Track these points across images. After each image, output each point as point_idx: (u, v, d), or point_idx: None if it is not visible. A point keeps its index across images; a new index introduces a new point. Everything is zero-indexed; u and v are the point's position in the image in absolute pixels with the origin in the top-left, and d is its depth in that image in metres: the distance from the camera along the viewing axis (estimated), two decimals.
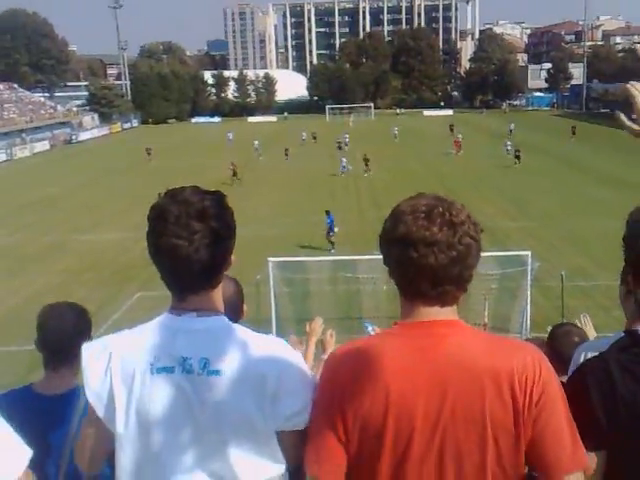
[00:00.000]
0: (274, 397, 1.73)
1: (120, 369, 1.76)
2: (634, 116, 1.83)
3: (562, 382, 1.70)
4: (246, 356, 1.73)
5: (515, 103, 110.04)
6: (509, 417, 1.59)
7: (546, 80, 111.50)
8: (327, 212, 23.39)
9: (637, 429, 1.68)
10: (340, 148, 51.18)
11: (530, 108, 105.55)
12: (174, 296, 1.82)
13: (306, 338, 3.18)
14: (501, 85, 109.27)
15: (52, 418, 2.47)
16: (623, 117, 1.84)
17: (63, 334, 2.56)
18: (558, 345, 3.34)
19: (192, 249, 1.69)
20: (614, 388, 1.70)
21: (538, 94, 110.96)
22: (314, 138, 59.89)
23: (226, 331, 1.78)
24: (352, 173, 39.73)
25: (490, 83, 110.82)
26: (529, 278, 14.68)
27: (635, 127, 1.82)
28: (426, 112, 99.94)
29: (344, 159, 40.81)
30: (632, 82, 1.85)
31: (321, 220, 23.59)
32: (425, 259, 1.59)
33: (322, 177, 39.17)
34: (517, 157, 40.96)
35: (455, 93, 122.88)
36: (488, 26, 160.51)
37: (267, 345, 1.80)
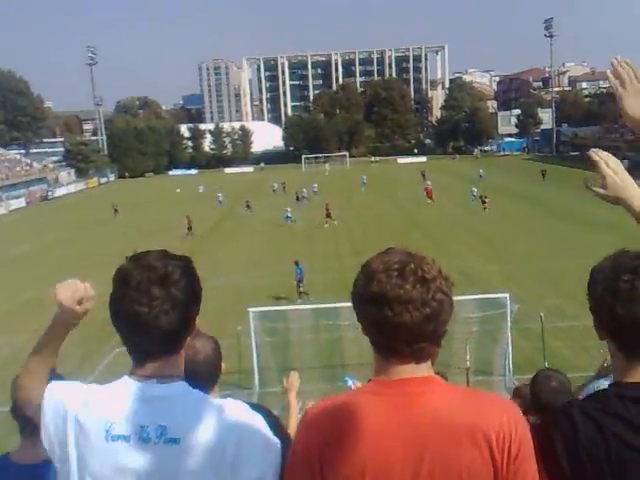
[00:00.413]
0: (233, 465, 1.67)
1: (75, 427, 1.72)
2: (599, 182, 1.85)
3: (531, 425, 1.69)
4: (205, 424, 1.68)
5: (487, 149, 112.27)
6: (489, 476, 1.57)
7: (516, 125, 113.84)
8: (296, 262, 23.09)
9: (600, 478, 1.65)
10: (298, 199, 51.19)
11: (502, 153, 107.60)
12: (133, 361, 1.77)
13: (286, 395, 3.21)
14: (472, 131, 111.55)
15: None
16: (595, 188, 1.87)
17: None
18: (537, 390, 3.40)
19: (151, 316, 1.66)
20: (576, 437, 1.66)
21: (509, 139, 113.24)
22: (284, 188, 60.04)
23: (185, 398, 1.73)
24: (312, 223, 39.78)
25: (461, 130, 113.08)
26: (509, 320, 14.76)
27: (608, 194, 1.85)
28: (400, 159, 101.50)
29: (289, 209, 40.96)
30: (594, 150, 1.91)
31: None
32: (400, 317, 1.58)
33: (294, 226, 39.33)
34: (483, 202, 40.85)
35: (428, 140, 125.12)
36: (458, 75, 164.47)
37: (227, 411, 1.73)
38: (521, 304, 16.55)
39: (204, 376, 2.10)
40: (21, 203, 67.70)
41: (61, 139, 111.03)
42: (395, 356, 1.65)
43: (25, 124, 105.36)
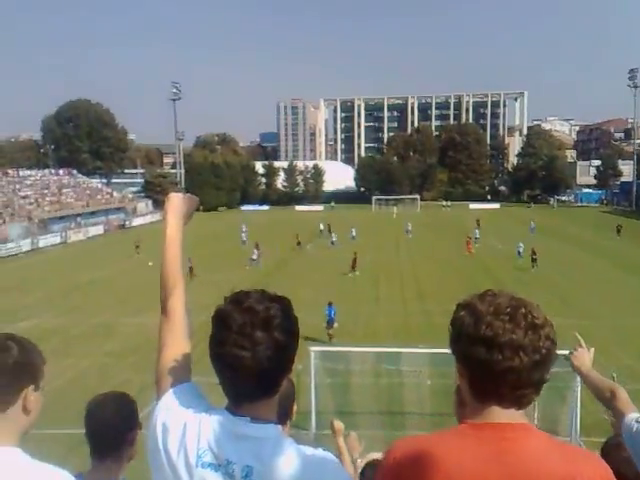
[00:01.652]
0: None
1: (176, 445, 1.73)
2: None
3: None
4: (292, 472, 1.65)
5: (563, 198, 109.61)
6: None
7: (595, 177, 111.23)
8: (330, 303, 22.97)
9: None
10: (333, 243, 50.80)
11: (579, 204, 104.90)
12: (229, 400, 1.77)
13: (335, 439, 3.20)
14: (549, 180, 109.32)
15: None
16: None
17: (106, 426, 2.57)
18: (608, 460, 3.17)
19: (255, 360, 1.65)
20: None
21: (587, 190, 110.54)
22: (329, 230, 58.38)
23: (276, 442, 1.70)
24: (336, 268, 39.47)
25: (538, 178, 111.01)
26: (578, 379, 14.12)
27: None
28: (472, 205, 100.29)
29: (255, 251, 41.15)
30: (573, 353, 2.26)
31: (365, 311, 23.43)
32: (510, 362, 1.57)
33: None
34: (533, 259, 38.13)
35: (502, 187, 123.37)
36: (536, 122, 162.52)
37: (316, 462, 1.71)
38: (594, 363, 15.84)
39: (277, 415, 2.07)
40: (99, 230, 70.23)
41: (141, 170, 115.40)
42: (495, 400, 1.63)
43: (108, 154, 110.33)
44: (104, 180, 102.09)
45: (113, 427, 2.55)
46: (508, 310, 1.61)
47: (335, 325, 22.88)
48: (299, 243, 48.85)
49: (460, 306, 1.71)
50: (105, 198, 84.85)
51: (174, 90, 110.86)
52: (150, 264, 46.15)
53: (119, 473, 2.58)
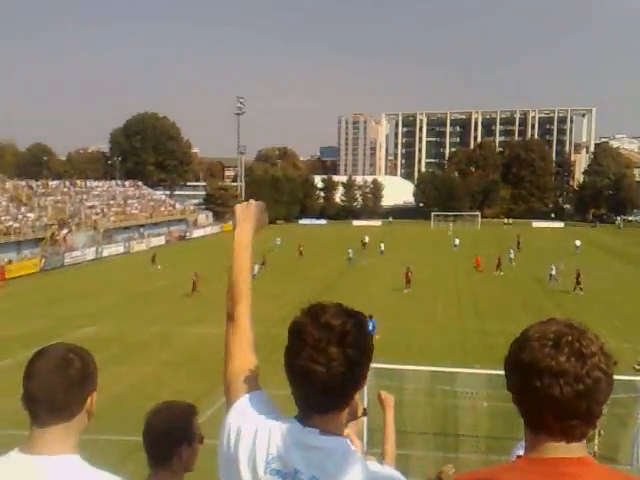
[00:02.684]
0: None
1: (247, 450, 1.77)
2: None
3: None
4: None
5: (630, 219, 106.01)
6: None
7: None
8: (370, 316, 23.01)
9: None
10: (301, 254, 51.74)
11: None
12: (300, 410, 1.79)
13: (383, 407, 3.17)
14: (616, 200, 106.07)
15: None
16: None
17: (156, 436, 2.60)
18: None
19: (329, 376, 1.67)
20: None
21: None
22: (363, 245, 60.81)
23: (344, 456, 1.72)
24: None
25: (604, 197, 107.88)
26: None
27: None
28: (535, 223, 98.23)
29: (256, 266, 39.99)
30: None
31: (421, 328, 23.16)
32: (550, 390, 1.52)
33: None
34: (578, 281, 36.31)
35: (567, 205, 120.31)
36: (604, 139, 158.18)
37: (381, 478, 1.73)
38: None
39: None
40: (161, 241, 71.82)
41: (203, 183, 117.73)
42: (544, 432, 1.57)
43: (173, 167, 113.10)
44: (167, 192, 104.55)
45: (163, 437, 2.58)
46: (552, 336, 1.56)
47: (377, 337, 22.85)
48: (301, 253, 49.43)
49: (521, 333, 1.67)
50: (168, 210, 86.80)
51: (238, 105, 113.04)
52: (159, 267, 47.19)
53: (182, 475, 2.61)
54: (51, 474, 1.80)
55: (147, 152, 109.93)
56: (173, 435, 2.60)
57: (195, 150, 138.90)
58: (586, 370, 1.51)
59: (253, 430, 1.78)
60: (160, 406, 2.72)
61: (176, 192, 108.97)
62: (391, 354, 21.80)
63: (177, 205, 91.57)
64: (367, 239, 62.75)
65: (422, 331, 26.52)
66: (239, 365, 1.97)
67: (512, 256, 49.60)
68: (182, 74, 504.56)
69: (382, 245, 57.14)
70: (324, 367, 1.66)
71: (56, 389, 1.82)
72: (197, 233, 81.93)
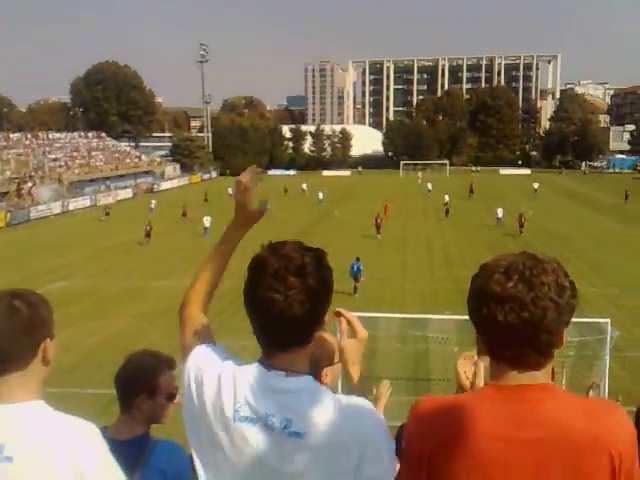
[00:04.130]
0: (357, 467, 1.68)
1: (212, 399, 1.76)
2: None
3: None
4: (331, 421, 1.68)
5: (595, 164, 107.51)
6: None
7: (629, 142, 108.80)
8: (357, 259, 24.62)
9: None
10: (184, 215, 47.85)
11: (611, 170, 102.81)
12: (263, 351, 1.79)
13: (374, 403, 3.07)
14: (581, 146, 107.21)
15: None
16: None
17: (118, 385, 2.65)
18: None
19: (287, 304, 1.67)
20: None
21: (620, 156, 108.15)
22: (302, 191, 65.13)
23: (313, 393, 1.73)
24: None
25: (570, 143, 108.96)
26: (608, 347, 14.02)
27: None
28: (502, 170, 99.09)
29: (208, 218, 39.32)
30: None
31: (391, 276, 23.41)
32: (494, 316, 1.53)
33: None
34: (521, 224, 37.61)
35: (534, 152, 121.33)
36: (570, 86, 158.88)
37: (354, 411, 1.73)
38: (622, 331, 15.70)
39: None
40: (128, 194, 70.77)
41: (169, 134, 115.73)
42: (502, 360, 1.60)
43: (137, 117, 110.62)
44: (132, 143, 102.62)
45: (122, 387, 2.63)
46: (505, 264, 1.56)
47: (362, 279, 24.35)
48: (185, 214, 47.38)
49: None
50: (134, 162, 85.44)
51: (202, 52, 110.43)
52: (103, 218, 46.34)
53: (141, 427, 2.62)
54: (16, 420, 1.77)
55: (109, 102, 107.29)
56: (131, 386, 2.62)
57: (159, 100, 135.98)
58: (531, 298, 1.51)
59: (216, 378, 1.77)
60: (131, 356, 2.73)
61: (141, 143, 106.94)
62: (363, 302, 22.12)
63: (143, 157, 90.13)
64: (305, 186, 66.82)
65: (394, 279, 26.82)
66: (194, 323, 2.00)
67: (447, 201, 49.11)
68: (141, 21, 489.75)
69: (320, 194, 57.92)
70: (282, 295, 1.67)
71: (2, 338, 1.77)
72: (165, 185, 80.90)
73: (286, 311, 1.67)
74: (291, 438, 1.67)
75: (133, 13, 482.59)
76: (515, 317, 1.51)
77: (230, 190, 56.75)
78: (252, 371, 1.76)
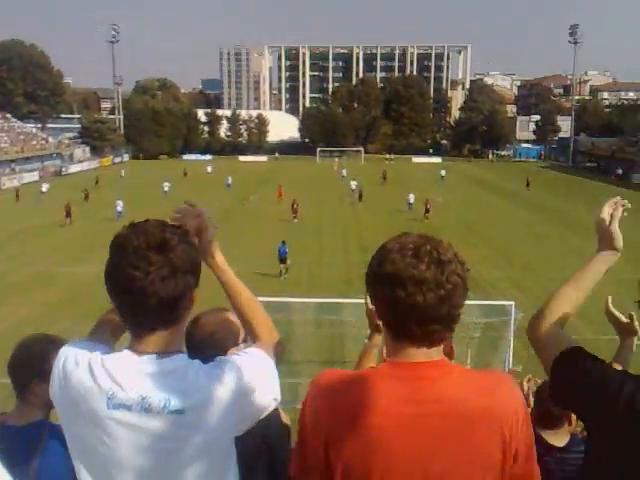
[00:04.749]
0: (239, 423, 1.74)
1: (80, 390, 1.72)
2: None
3: None
4: (208, 395, 1.68)
5: (502, 153, 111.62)
6: (499, 456, 1.60)
7: (534, 132, 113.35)
8: (283, 242, 25.39)
9: None
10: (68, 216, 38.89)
11: (517, 159, 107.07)
12: (131, 335, 1.76)
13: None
14: (489, 135, 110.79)
15: (14, 451, 2.33)
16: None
17: (10, 370, 2.56)
18: (544, 399, 3.22)
19: (148, 281, 1.64)
20: None
21: (526, 145, 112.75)
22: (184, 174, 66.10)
23: (186, 370, 1.71)
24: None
25: (479, 133, 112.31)
26: (512, 328, 14.71)
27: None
28: (415, 159, 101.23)
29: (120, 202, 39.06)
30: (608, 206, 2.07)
31: (307, 261, 23.64)
32: (413, 298, 1.57)
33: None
34: (427, 210, 39.03)
35: (444, 141, 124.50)
36: (479, 76, 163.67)
37: (221, 377, 1.71)
38: (526, 312, 16.49)
39: (208, 353, 1.99)
40: (34, 177, 67.62)
41: (78, 116, 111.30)
42: (407, 338, 1.64)
43: (43, 98, 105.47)
44: (39, 125, 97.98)
45: (13, 372, 2.55)
46: (411, 246, 1.61)
47: (288, 262, 25.14)
48: (87, 197, 46.33)
49: (378, 248, 1.72)
50: (40, 144, 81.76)
51: (113, 32, 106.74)
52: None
53: (39, 412, 2.54)
54: None
55: (14, 82, 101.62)
56: (22, 370, 2.55)
57: (68, 80, 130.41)
58: (446, 276, 1.58)
59: (86, 369, 1.73)
60: (22, 340, 2.65)
61: (49, 125, 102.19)
62: (280, 287, 22.25)
63: (50, 139, 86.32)
64: (210, 169, 71.08)
65: (309, 264, 27.11)
66: None
67: (354, 188, 51.10)
68: None
69: (229, 178, 58.09)
70: (143, 272, 1.63)
71: None
72: (74, 168, 77.88)
73: (148, 288, 1.64)
74: (172, 416, 1.65)
75: None
76: (433, 296, 1.56)
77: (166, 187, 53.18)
78: (123, 358, 1.73)
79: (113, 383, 1.68)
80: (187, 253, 1.72)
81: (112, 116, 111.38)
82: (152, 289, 1.64)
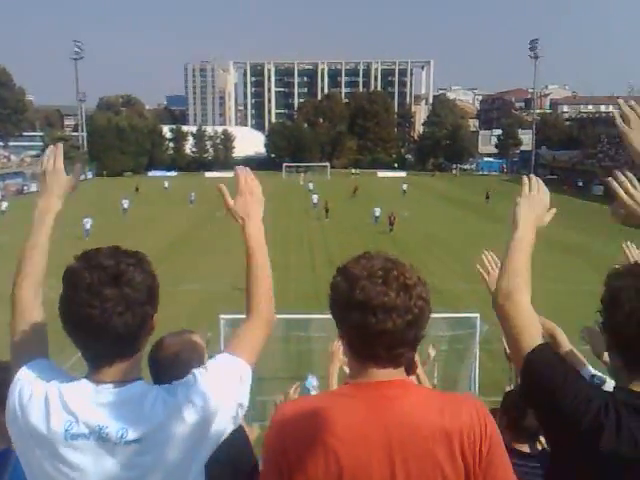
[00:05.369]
0: (199, 446, 1.69)
1: (37, 420, 1.66)
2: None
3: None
4: (164, 421, 1.65)
5: (465, 167, 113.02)
6: (461, 476, 1.62)
7: (496, 145, 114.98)
8: None
9: None
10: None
11: (480, 172, 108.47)
12: (89, 366, 1.72)
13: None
14: (453, 149, 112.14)
15: None
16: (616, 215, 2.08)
17: None
18: (513, 410, 3.25)
19: (104, 318, 1.59)
20: None
21: (488, 159, 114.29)
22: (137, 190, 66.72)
23: (143, 398, 1.68)
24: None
25: (442, 147, 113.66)
26: (477, 341, 14.84)
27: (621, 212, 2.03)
28: (380, 173, 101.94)
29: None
30: (616, 175, 2.06)
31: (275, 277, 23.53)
32: (383, 324, 1.60)
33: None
34: (391, 222, 39.89)
35: (408, 156, 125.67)
36: (442, 91, 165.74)
37: (181, 404, 1.67)
38: (491, 325, 16.66)
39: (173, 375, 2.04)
40: None
41: (41, 133, 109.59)
42: (373, 361, 1.68)
43: (5, 116, 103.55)
44: (1, 143, 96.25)
45: None
46: (380, 273, 1.64)
47: None
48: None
49: (338, 270, 1.75)
50: (2, 162, 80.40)
51: (76, 49, 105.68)
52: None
53: (4, 440, 2.38)
54: None
55: None
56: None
57: (30, 97, 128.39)
58: (413, 301, 1.63)
59: (42, 399, 1.68)
60: None
61: (11, 143, 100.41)
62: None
63: (12, 157, 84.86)
64: (167, 184, 72.59)
65: (277, 280, 26.99)
66: (22, 331, 1.87)
67: (315, 202, 52.39)
68: (14, 15, 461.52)
69: (192, 194, 58.08)
70: (98, 310, 1.59)
71: None
72: (36, 187, 76.45)
73: (104, 325, 1.60)
74: (130, 446, 1.62)
75: (1, 7, 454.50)
76: (402, 322, 1.61)
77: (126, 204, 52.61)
78: (80, 388, 1.69)
79: (70, 415, 1.65)
80: (143, 283, 1.67)
81: (75, 133, 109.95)
82: (109, 326, 1.61)
